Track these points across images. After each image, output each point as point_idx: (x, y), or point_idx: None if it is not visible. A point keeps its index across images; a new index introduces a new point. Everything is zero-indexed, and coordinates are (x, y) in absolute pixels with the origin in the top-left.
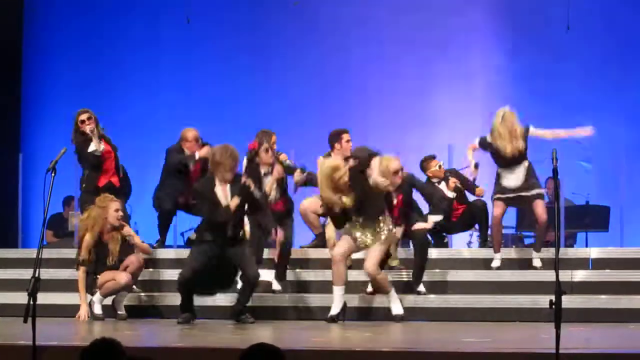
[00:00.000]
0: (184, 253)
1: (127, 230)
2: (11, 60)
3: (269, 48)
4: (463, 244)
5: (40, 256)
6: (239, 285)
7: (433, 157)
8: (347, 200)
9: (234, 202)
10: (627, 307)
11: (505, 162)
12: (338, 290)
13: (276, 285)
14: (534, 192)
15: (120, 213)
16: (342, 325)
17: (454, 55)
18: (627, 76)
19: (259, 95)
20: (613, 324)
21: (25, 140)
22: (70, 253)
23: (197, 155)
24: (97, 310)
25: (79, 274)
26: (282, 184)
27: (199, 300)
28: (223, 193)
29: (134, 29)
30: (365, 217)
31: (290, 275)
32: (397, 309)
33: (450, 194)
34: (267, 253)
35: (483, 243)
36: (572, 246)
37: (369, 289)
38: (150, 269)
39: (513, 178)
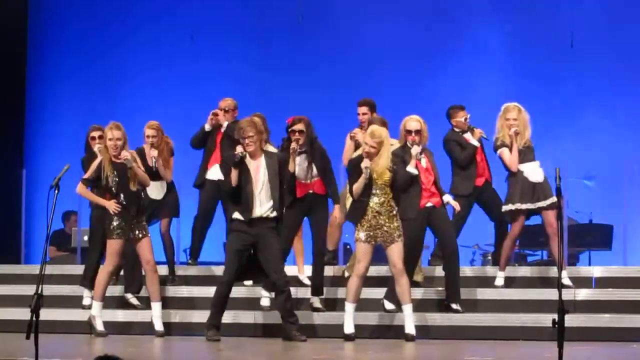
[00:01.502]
0: (189, 270)
1: (124, 154)
2: (15, 75)
3: (274, 63)
4: (466, 261)
5: (43, 272)
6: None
7: (462, 108)
8: (377, 173)
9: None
10: (630, 326)
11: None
12: (350, 308)
13: (316, 302)
14: (549, 201)
15: (118, 142)
16: (347, 343)
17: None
18: (630, 92)
19: (263, 110)
20: (616, 343)
21: (28, 156)
22: (72, 269)
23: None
24: (100, 326)
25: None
26: (321, 162)
27: (197, 317)
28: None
29: (138, 48)
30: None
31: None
32: (410, 328)
33: (476, 143)
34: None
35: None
36: (574, 265)
37: (347, 273)
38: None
39: (534, 172)
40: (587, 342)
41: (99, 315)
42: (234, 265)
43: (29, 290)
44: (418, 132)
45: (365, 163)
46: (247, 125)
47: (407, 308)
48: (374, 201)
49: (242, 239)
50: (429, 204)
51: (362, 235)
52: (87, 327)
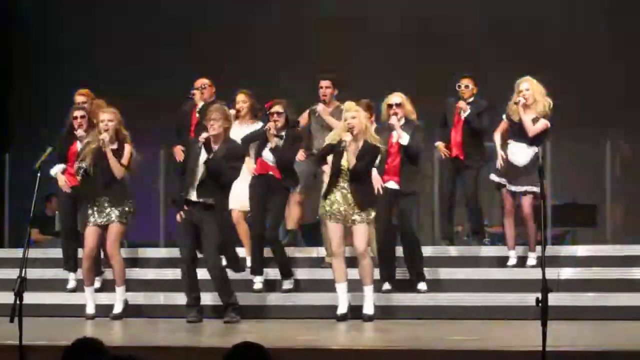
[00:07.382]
0: (174, 252)
1: (104, 135)
2: None
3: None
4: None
5: (26, 256)
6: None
7: (461, 77)
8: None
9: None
10: (614, 304)
11: (513, 131)
12: (340, 287)
13: (286, 284)
14: (524, 188)
15: (106, 125)
16: (330, 323)
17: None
18: (612, 73)
19: (253, 50)
20: (599, 321)
21: (12, 140)
22: (56, 253)
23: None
24: (87, 309)
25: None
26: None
27: (181, 299)
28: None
29: (126, 18)
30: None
31: (273, 273)
32: (368, 308)
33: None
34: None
35: (475, 235)
36: (559, 244)
37: (327, 259)
38: (137, 268)
39: (516, 154)
40: (571, 321)
41: (89, 298)
42: (184, 241)
43: (12, 273)
44: (399, 105)
45: (345, 136)
46: (215, 110)
47: (367, 289)
48: (342, 184)
49: (186, 215)
50: (395, 186)
51: (323, 211)
52: (70, 310)
